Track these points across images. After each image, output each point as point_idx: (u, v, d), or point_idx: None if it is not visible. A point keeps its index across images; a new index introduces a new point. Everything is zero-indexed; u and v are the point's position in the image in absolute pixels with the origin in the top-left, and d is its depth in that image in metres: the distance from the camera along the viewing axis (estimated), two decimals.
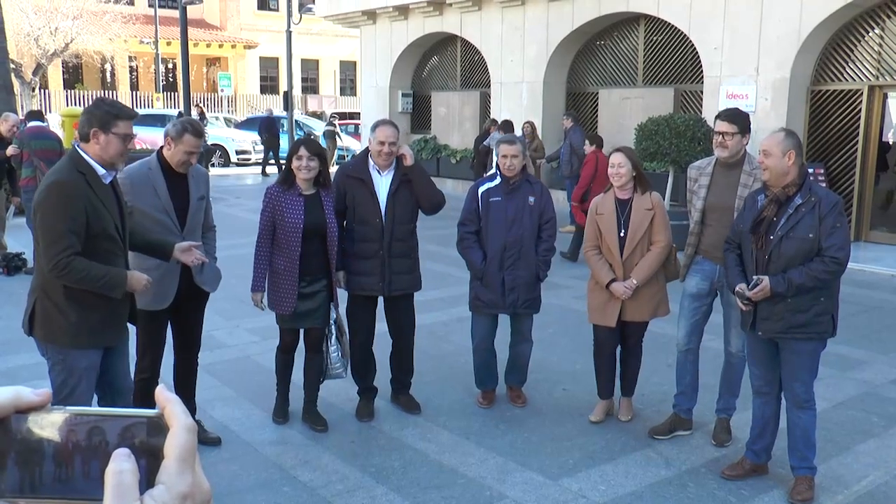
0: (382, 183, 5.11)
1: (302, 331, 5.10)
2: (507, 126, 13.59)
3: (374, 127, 5.16)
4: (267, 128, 20.60)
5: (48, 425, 0.66)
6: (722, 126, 4.70)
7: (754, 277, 4.11)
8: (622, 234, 4.99)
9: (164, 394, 0.68)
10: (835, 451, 4.84)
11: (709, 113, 12.34)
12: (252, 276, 4.95)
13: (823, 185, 11.54)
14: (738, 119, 4.72)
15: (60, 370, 3.72)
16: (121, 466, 0.63)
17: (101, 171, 3.65)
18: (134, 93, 34.70)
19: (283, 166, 5.00)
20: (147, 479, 0.64)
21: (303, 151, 4.80)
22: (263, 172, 20.81)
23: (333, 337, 5.11)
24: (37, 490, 0.66)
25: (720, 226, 4.72)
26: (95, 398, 4.05)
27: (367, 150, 5.22)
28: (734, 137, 4.68)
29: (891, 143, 12.09)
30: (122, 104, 3.84)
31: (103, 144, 3.61)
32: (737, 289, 4.21)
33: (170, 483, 0.64)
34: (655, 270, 5.00)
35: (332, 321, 5.11)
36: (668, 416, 5.12)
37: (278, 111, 26.01)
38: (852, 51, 11.92)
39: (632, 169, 5.00)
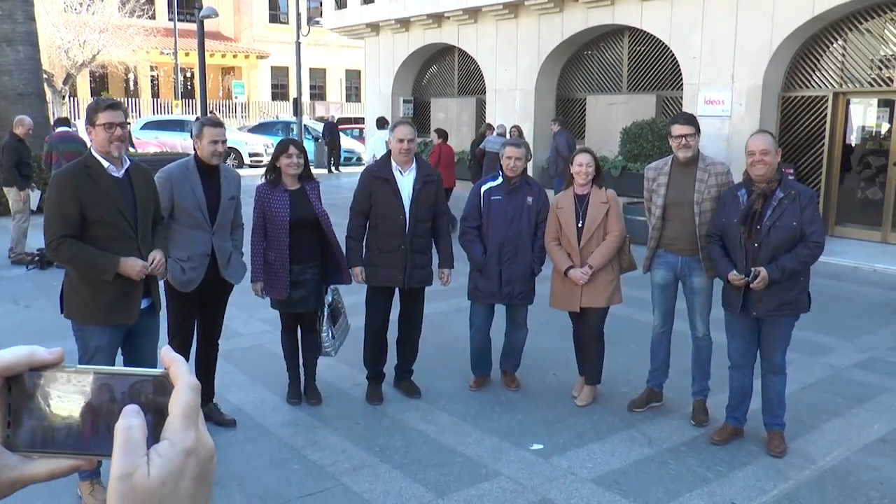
0: (405, 182, 5.11)
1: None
2: (502, 129, 13.63)
3: (394, 127, 5.18)
4: (329, 131, 22.44)
5: (61, 383, 0.65)
6: (683, 129, 4.79)
7: (752, 269, 4.25)
8: (580, 225, 5.07)
9: (170, 354, 0.66)
10: (803, 430, 4.85)
11: None
12: (250, 269, 4.96)
13: None
14: (694, 121, 4.88)
15: (79, 346, 3.82)
16: (130, 422, 0.61)
17: (105, 163, 3.69)
18: (155, 100, 34.61)
19: (269, 164, 5.02)
20: (153, 435, 0.62)
21: (292, 150, 4.91)
22: (329, 170, 22.44)
23: (325, 319, 5.13)
24: (49, 445, 0.64)
25: (680, 220, 4.84)
26: None
27: (390, 152, 5.21)
28: (695, 137, 4.81)
29: (853, 145, 12.08)
30: (106, 98, 3.91)
31: (94, 137, 3.69)
32: (731, 277, 4.39)
33: (174, 439, 0.62)
34: (610, 257, 5.07)
35: (327, 305, 5.12)
36: (643, 391, 5.24)
37: (288, 116, 25.87)
38: (819, 60, 11.91)
39: (594, 168, 5.10)
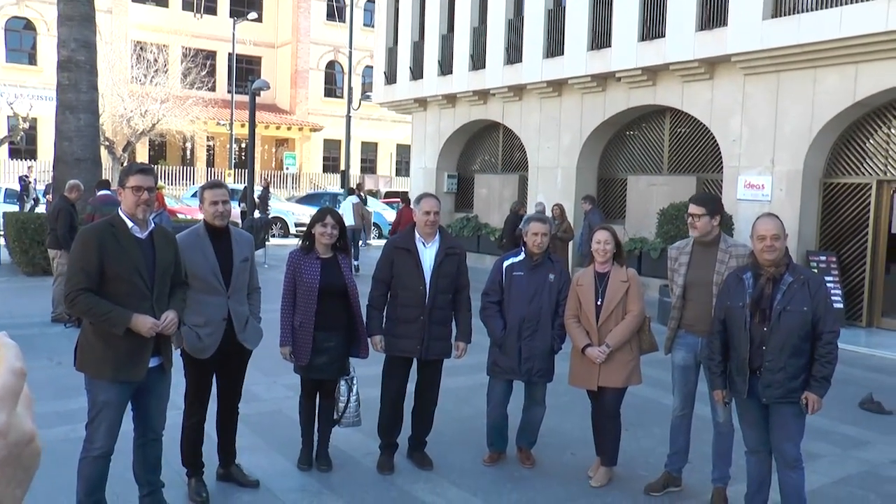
0: (427, 254, 5.19)
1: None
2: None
3: (419, 199, 5.29)
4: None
5: None
6: (692, 209, 4.81)
7: (802, 399, 4.11)
8: (599, 303, 5.02)
9: (1, 339, 0.66)
10: None
11: (728, 201, 12.24)
12: (279, 333, 5.03)
13: (836, 272, 11.32)
14: (707, 202, 4.83)
15: (88, 400, 3.91)
16: None
17: (130, 224, 3.86)
18: (209, 169, 35.81)
19: (305, 231, 5.16)
20: None
21: (329, 220, 5.01)
22: None
23: (356, 388, 5.17)
24: None
25: (700, 300, 4.78)
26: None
27: (414, 224, 5.32)
28: (702, 219, 4.77)
29: None
30: (138, 163, 4.12)
31: (124, 199, 3.88)
32: (715, 395, 4.46)
33: None
34: (628, 337, 4.99)
35: (352, 373, 5.17)
36: (661, 475, 5.08)
37: (336, 189, 26.41)
38: (862, 146, 11.80)
39: (614, 246, 5.07)
